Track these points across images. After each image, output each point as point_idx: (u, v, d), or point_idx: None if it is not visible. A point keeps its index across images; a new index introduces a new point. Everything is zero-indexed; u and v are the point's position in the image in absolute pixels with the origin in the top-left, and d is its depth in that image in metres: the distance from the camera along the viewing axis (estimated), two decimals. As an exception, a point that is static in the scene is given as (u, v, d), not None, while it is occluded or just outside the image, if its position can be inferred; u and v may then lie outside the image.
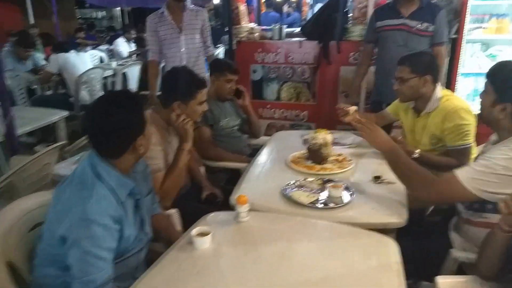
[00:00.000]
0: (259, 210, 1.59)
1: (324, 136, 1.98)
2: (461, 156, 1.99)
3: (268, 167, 2.07)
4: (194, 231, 1.34)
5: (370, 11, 3.27)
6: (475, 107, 2.13)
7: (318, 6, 5.28)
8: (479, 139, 2.24)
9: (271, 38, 3.83)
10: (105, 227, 1.19)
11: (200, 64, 3.25)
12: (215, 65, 2.61)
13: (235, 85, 2.55)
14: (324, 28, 3.52)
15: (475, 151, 2.18)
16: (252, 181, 1.88)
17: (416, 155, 2.02)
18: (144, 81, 5.79)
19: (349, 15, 3.63)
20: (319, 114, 3.75)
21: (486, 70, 3.34)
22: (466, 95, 3.50)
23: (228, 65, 2.57)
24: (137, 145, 1.32)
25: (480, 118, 1.56)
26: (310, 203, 1.61)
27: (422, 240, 1.69)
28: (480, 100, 1.53)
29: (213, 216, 1.56)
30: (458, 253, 1.50)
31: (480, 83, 3.50)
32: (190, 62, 3.13)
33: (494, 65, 1.51)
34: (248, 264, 1.25)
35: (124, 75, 5.57)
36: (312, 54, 3.64)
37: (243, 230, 1.45)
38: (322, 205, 1.62)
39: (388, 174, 1.87)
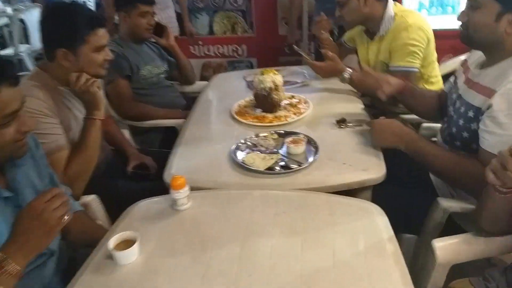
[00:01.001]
0: (203, 187, 1.21)
1: (272, 78, 1.58)
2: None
3: (209, 123, 1.66)
4: (113, 240, 0.94)
5: None
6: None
7: None
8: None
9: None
10: None
11: None
12: (121, -3, 2.01)
13: (154, 20, 2.00)
14: None
15: (437, 72, 1.91)
16: (191, 147, 1.47)
17: (347, 75, 1.73)
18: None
19: None
20: (260, 47, 3.30)
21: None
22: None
23: None
24: None
25: (469, 40, 1.21)
26: (267, 168, 1.26)
27: (400, 187, 1.43)
28: (468, 20, 1.17)
29: (142, 205, 1.16)
30: (448, 203, 1.24)
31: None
32: None
33: None
34: (197, 280, 0.88)
35: (23, 22, 4.62)
36: (243, -25, 3.10)
37: (184, 223, 1.07)
38: (283, 168, 1.27)
39: (352, 115, 1.56)
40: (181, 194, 1.07)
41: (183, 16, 2.93)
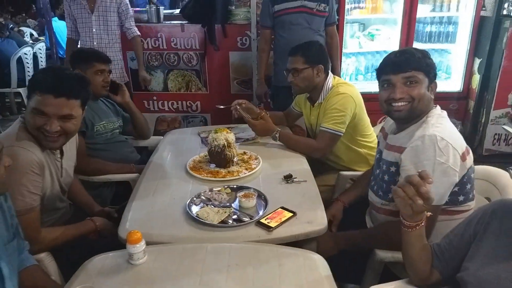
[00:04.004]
0: (158, 242, 1.26)
1: (225, 136, 1.70)
2: (325, 139, 1.94)
3: (164, 178, 1.72)
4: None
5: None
6: (359, 85, 2.13)
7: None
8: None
9: (147, 21, 3.37)
10: None
11: (115, 48, 3.01)
12: (78, 55, 2.09)
13: (109, 78, 2.09)
14: (205, 10, 3.20)
15: (374, 137, 2.12)
16: (145, 202, 1.52)
17: (276, 135, 1.99)
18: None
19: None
20: (213, 104, 3.45)
21: (366, 49, 3.51)
22: (349, 74, 3.58)
23: (94, 53, 2.09)
24: None
25: (412, 112, 1.35)
26: (221, 222, 1.33)
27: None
28: (411, 95, 1.33)
29: (98, 261, 1.18)
30: (383, 254, 1.38)
31: (362, 62, 3.59)
32: (102, 44, 2.92)
33: (411, 54, 1.34)
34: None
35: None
36: (197, 39, 3.31)
37: (140, 277, 1.10)
38: (236, 221, 1.35)
39: (297, 171, 1.70)
40: (137, 249, 1.12)
41: (138, 63, 3.11)
